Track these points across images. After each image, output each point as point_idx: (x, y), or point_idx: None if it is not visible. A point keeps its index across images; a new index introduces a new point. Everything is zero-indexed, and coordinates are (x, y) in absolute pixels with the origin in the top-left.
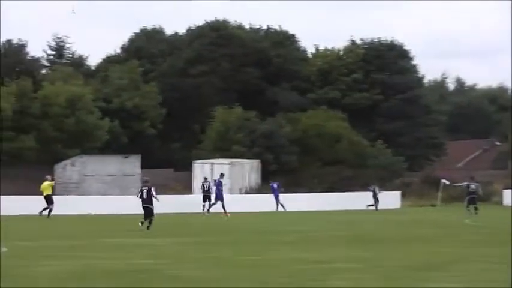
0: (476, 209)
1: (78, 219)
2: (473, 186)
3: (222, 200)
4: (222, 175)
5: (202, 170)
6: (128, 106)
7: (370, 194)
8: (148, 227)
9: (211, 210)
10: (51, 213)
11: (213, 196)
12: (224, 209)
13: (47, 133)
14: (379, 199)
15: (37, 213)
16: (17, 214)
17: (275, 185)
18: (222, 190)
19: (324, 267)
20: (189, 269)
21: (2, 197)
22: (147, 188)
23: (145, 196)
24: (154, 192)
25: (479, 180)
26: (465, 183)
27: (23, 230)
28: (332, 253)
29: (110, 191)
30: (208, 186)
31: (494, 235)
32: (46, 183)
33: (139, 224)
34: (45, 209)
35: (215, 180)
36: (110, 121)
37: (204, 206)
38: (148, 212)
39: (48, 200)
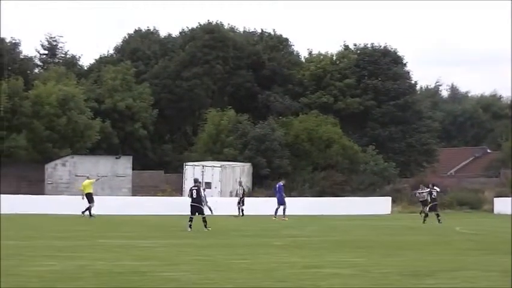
0: (438, 215)
1: (70, 219)
2: (434, 193)
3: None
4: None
5: (193, 172)
6: (120, 107)
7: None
8: (205, 225)
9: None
10: (92, 211)
11: (204, 205)
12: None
13: (38, 132)
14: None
15: (80, 213)
16: (9, 213)
17: (282, 184)
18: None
19: (314, 272)
20: (182, 271)
21: None
22: (197, 188)
23: (195, 196)
24: (203, 193)
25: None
26: (427, 190)
27: (13, 229)
28: (323, 258)
29: (101, 192)
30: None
31: (487, 243)
32: (87, 181)
33: (187, 225)
34: (87, 208)
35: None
36: (101, 121)
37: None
38: (197, 211)
39: (90, 198)
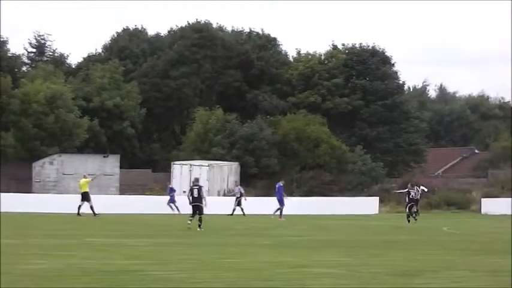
0: (415, 215)
1: (57, 217)
2: (412, 193)
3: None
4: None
5: (181, 171)
6: (108, 105)
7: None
8: (199, 225)
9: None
10: (81, 210)
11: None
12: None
13: (26, 130)
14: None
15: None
16: None
17: (281, 184)
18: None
19: (303, 271)
20: (171, 270)
21: None
22: (197, 187)
23: (195, 195)
24: (203, 193)
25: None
26: (406, 189)
27: (2, 228)
28: (311, 258)
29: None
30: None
31: (475, 243)
32: (83, 180)
33: (188, 222)
34: (91, 207)
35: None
36: (89, 120)
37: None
38: (197, 210)
39: (86, 196)
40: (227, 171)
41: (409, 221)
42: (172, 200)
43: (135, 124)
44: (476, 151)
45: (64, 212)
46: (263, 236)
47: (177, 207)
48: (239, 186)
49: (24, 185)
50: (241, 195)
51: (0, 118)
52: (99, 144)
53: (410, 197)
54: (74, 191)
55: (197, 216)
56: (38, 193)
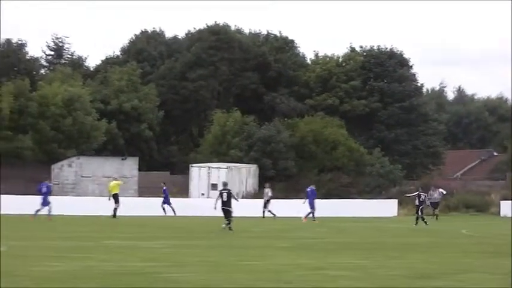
0: (423, 219)
1: (75, 220)
2: (423, 196)
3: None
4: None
5: (199, 173)
6: (126, 108)
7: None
8: (229, 227)
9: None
10: (116, 212)
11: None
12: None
13: (44, 133)
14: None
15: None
16: (15, 213)
17: (313, 188)
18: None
19: (320, 273)
20: (187, 272)
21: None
22: (227, 191)
23: (225, 199)
24: (234, 195)
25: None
26: (416, 193)
27: (20, 229)
28: (329, 260)
29: (107, 193)
30: (228, 195)
31: (494, 245)
32: (114, 183)
33: (222, 226)
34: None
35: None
36: (107, 122)
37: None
38: (227, 214)
39: (116, 198)
40: (245, 173)
41: (416, 223)
42: (167, 202)
43: (153, 126)
44: (495, 153)
45: (82, 214)
46: (281, 238)
47: (164, 209)
48: (269, 189)
49: None
50: (270, 198)
51: (19, 121)
52: (117, 147)
53: (421, 200)
54: (92, 193)
55: (225, 220)
56: (56, 195)
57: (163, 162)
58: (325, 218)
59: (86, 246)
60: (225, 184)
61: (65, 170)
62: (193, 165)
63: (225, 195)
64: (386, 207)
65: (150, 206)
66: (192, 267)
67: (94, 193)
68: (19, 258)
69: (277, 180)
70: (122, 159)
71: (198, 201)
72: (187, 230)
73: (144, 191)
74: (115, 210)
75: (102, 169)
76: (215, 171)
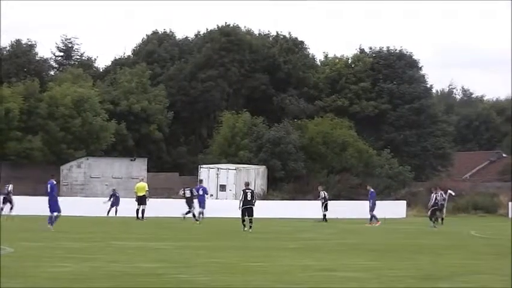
0: (436, 220)
1: (84, 220)
2: (437, 197)
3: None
4: (201, 181)
5: (209, 174)
6: (135, 109)
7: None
8: (250, 226)
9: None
10: (145, 214)
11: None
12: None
13: (53, 134)
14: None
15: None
16: (24, 214)
17: (372, 190)
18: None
19: (329, 275)
20: (196, 273)
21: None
22: (250, 190)
23: (249, 198)
24: (255, 195)
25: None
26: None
27: (29, 230)
28: (337, 261)
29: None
30: (251, 194)
31: (502, 247)
32: (141, 184)
33: (243, 225)
34: (142, 210)
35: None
36: (116, 123)
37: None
38: (247, 212)
39: (142, 200)
40: (254, 174)
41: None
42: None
43: (162, 128)
44: (504, 155)
45: (91, 215)
46: (289, 239)
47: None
48: (324, 191)
49: None
50: (326, 199)
51: (28, 122)
52: (127, 148)
53: (435, 201)
54: (102, 194)
55: (247, 218)
56: (65, 196)
57: (173, 163)
58: (334, 220)
59: (95, 247)
60: (247, 184)
61: (74, 171)
62: (203, 166)
63: (249, 195)
64: (395, 209)
65: (159, 207)
66: (200, 268)
67: (103, 194)
68: (28, 258)
69: (286, 181)
70: (131, 160)
71: (207, 202)
72: (195, 231)
73: (152, 192)
74: (142, 212)
75: (111, 170)
76: (224, 172)
